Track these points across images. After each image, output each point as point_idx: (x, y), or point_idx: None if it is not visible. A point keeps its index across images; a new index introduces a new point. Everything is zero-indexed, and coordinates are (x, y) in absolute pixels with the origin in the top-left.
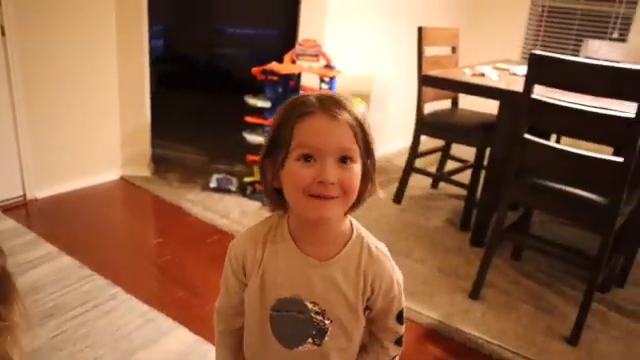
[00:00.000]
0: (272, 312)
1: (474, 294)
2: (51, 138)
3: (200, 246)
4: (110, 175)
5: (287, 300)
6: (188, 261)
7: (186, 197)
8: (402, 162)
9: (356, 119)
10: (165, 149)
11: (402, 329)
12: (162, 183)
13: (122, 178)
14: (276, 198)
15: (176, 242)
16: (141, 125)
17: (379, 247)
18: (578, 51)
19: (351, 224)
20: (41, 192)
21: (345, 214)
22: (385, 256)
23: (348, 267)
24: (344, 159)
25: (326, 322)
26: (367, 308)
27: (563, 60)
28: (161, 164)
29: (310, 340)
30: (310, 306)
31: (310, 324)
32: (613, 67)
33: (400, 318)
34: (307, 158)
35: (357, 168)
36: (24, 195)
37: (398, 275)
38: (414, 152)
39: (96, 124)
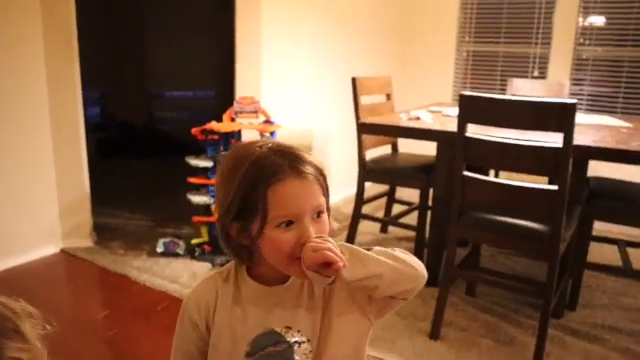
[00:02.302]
0: (251, 359)
1: (434, 334)
2: None
3: (150, 315)
4: (49, 249)
5: (259, 338)
6: (138, 332)
7: (132, 265)
8: (349, 210)
9: (318, 169)
10: (108, 217)
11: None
12: (105, 252)
13: (63, 251)
14: (244, 253)
15: (124, 313)
16: (80, 194)
17: None
18: (504, 90)
19: None
20: None
21: None
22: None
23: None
24: (318, 214)
25: (304, 341)
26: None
27: (490, 99)
28: (104, 233)
29: None
30: (283, 331)
31: (290, 352)
32: (537, 102)
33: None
34: (288, 224)
35: (326, 215)
36: None
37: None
38: (360, 199)
39: (31, 197)
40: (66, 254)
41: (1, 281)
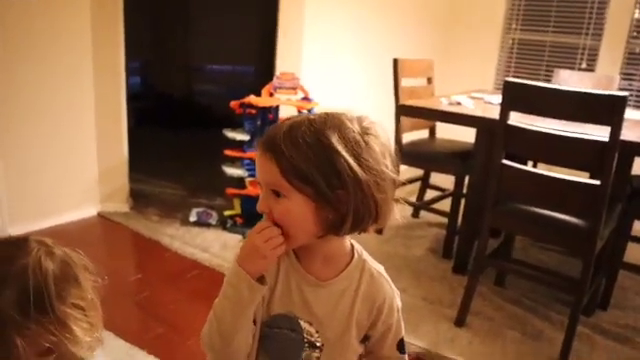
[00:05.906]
0: (265, 328)
1: (459, 322)
2: (26, 174)
3: (180, 281)
4: (87, 211)
5: (280, 316)
6: (168, 297)
7: (165, 232)
8: None
9: (278, 146)
10: (144, 184)
11: (405, 359)
12: (140, 218)
13: (99, 214)
14: None
15: (155, 278)
16: (119, 160)
17: (380, 271)
18: (549, 81)
19: (352, 247)
20: (15, 229)
21: (338, 235)
22: (386, 280)
23: (347, 289)
24: (277, 193)
25: (317, 344)
26: (366, 337)
27: (537, 87)
28: (140, 199)
29: None
30: (304, 325)
31: (301, 346)
32: (585, 93)
33: (401, 347)
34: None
35: (288, 202)
36: None
37: (398, 301)
38: None
39: (73, 160)
40: (102, 217)
41: None
